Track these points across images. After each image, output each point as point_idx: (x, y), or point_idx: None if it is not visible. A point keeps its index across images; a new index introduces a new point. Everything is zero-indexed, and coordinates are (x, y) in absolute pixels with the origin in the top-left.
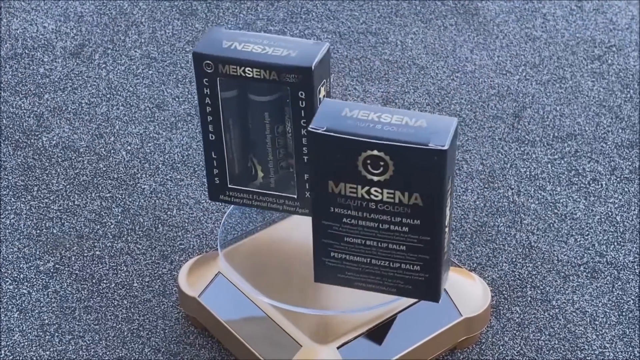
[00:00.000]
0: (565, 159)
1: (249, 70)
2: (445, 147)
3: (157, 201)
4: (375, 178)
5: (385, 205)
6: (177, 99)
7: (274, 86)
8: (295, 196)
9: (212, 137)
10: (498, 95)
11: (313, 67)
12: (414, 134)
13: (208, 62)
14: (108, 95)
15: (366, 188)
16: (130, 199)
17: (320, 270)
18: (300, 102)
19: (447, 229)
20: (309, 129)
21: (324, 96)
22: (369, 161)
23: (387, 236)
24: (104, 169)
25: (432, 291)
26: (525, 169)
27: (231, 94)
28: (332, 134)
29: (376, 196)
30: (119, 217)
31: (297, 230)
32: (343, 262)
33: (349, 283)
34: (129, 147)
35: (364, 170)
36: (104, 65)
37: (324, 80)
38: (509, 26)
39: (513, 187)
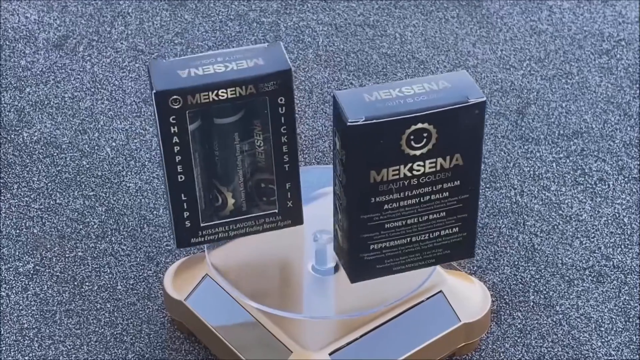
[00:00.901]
0: (570, 158)
1: (222, 92)
2: (484, 98)
3: (142, 200)
4: (418, 152)
5: (427, 176)
6: None
7: (239, 104)
8: (276, 210)
9: (181, 178)
10: (501, 90)
11: (292, 69)
12: (448, 96)
13: (175, 97)
14: (92, 89)
15: (409, 165)
16: (114, 198)
17: (356, 269)
18: (279, 108)
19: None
20: (348, 124)
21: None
22: (412, 137)
23: (427, 208)
24: (87, 166)
25: (469, 247)
26: (528, 168)
27: (196, 125)
28: (373, 121)
29: (418, 170)
30: (103, 217)
31: (288, 231)
32: (383, 251)
33: (388, 271)
34: (114, 144)
35: (407, 148)
36: (88, 57)
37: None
38: (513, 19)
39: (516, 187)
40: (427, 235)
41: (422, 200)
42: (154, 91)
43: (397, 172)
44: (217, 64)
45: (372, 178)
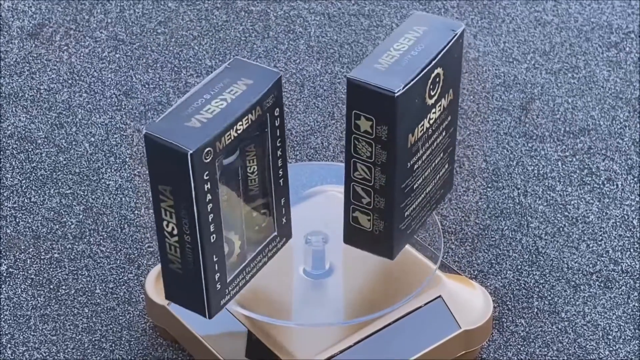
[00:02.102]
0: (577, 157)
1: (239, 125)
2: (463, 25)
3: (123, 199)
4: (433, 100)
5: (435, 122)
6: (146, 86)
7: (235, 141)
8: (275, 232)
9: (213, 238)
10: (504, 85)
11: (279, 75)
12: (439, 36)
13: (208, 149)
14: (70, 81)
15: (427, 116)
16: (93, 196)
17: (396, 243)
18: (275, 121)
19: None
20: (396, 94)
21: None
22: (431, 85)
23: (435, 153)
24: (64, 162)
25: (452, 180)
26: (533, 167)
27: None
28: (411, 83)
29: (431, 119)
30: (81, 216)
31: None
32: (412, 213)
33: (412, 235)
34: (92, 139)
35: (428, 98)
36: (65, 47)
37: None
38: (516, 9)
39: (519, 186)
40: (434, 182)
41: (433, 147)
42: (190, 152)
43: (422, 127)
44: (212, 100)
45: (409, 142)
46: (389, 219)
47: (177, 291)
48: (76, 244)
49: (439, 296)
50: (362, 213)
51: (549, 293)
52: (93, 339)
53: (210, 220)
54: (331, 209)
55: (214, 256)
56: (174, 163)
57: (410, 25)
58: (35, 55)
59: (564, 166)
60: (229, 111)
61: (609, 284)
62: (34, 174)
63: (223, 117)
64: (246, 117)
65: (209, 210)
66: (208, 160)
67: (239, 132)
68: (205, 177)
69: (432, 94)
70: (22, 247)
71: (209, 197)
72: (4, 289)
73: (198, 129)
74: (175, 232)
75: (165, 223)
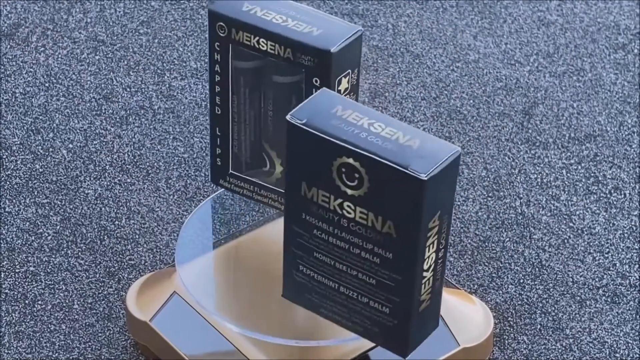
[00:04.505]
0: (582, 164)
1: (263, 42)
2: (424, 177)
3: (103, 209)
4: (349, 191)
5: (357, 226)
6: (128, 90)
7: (294, 66)
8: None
9: (218, 110)
10: (505, 88)
11: (333, 52)
12: (397, 151)
13: (221, 24)
14: (47, 84)
15: (339, 200)
16: (71, 206)
17: (288, 285)
18: (314, 90)
19: (428, 273)
20: (287, 117)
21: (346, 89)
22: (344, 170)
23: (357, 263)
24: (40, 170)
25: (400, 342)
26: (536, 175)
27: (248, 65)
28: (309, 129)
29: (349, 212)
30: (58, 227)
31: (267, 244)
32: (311, 281)
33: (315, 308)
34: (70, 145)
35: (338, 180)
36: (42, 48)
37: (349, 70)
38: (518, 8)
39: (521, 196)
40: (356, 295)
41: (351, 250)
42: (207, 8)
43: (326, 199)
44: (281, 14)
45: (304, 191)
46: (284, 251)
47: None
48: (53, 256)
49: None
50: None
51: (553, 308)
52: (71, 357)
53: (216, 92)
54: None
55: (217, 129)
56: None
57: (426, 137)
58: (11, 57)
59: (568, 174)
60: (269, 26)
61: (616, 299)
62: (8, 183)
63: (261, 23)
64: (272, 44)
65: (216, 80)
66: (222, 34)
67: (261, 47)
68: (217, 47)
69: (348, 182)
70: None
71: (217, 68)
72: None
73: (240, 11)
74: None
75: None
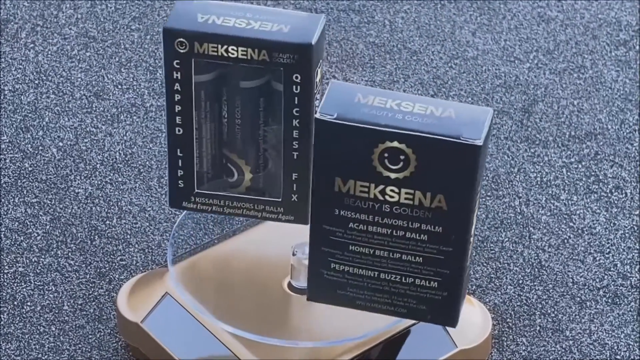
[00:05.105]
0: (583, 163)
1: (232, 49)
2: (480, 142)
3: (93, 208)
4: (393, 175)
5: (402, 208)
6: (119, 87)
7: (261, 68)
8: (280, 199)
9: (179, 130)
10: (504, 86)
11: (314, 44)
12: (442, 125)
13: (181, 40)
14: (37, 81)
15: (380, 187)
16: (61, 206)
17: (315, 286)
18: (294, 87)
19: (471, 240)
20: (316, 116)
21: (319, 80)
22: (386, 155)
23: (401, 245)
24: (30, 169)
25: (450, 313)
26: (535, 174)
27: (208, 77)
28: (345, 122)
29: (392, 197)
30: (47, 227)
31: (262, 243)
32: (345, 275)
33: (350, 302)
34: (60, 144)
35: (380, 166)
36: (32, 45)
37: (320, 60)
38: (518, 4)
39: (521, 195)
40: (399, 277)
41: (395, 233)
42: (162, 27)
43: (366, 189)
44: (241, 18)
45: (338, 186)
46: (310, 252)
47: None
48: (42, 257)
49: None
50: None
51: (553, 309)
52: (60, 359)
53: (177, 111)
54: None
55: (178, 150)
56: None
57: (458, 106)
58: None
59: (569, 173)
60: (234, 31)
61: (617, 300)
62: None
63: (222, 30)
64: (244, 49)
65: (176, 100)
66: (182, 50)
67: (230, 55)
68: (176, 65)
69: (391, 167)
70: None
71: (177, 87)
72: None
73: (197, 23)
74: None
75: None
